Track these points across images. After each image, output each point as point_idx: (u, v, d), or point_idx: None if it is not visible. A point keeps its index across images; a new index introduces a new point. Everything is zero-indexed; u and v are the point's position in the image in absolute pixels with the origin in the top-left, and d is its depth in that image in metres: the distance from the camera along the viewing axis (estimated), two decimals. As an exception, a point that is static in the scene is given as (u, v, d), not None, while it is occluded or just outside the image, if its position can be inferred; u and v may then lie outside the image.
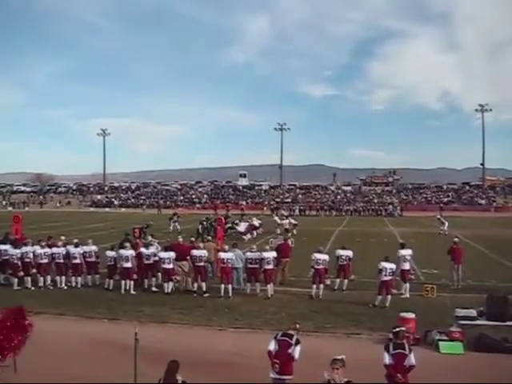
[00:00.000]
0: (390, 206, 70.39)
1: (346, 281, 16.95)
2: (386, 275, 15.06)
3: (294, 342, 7.98)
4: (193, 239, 19.37)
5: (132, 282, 16.86)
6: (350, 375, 6.59)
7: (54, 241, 18.61)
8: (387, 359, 7.70)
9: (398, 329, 8.15)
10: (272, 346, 7.96)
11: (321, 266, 16.19)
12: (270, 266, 16.34)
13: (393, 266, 15.29)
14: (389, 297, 14.98)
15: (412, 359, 7.64)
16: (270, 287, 16.17)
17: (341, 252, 17.13)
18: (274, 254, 16.77)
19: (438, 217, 41.75)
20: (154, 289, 17.05)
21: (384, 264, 15.15)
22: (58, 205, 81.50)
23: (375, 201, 76.20)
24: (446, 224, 38.60)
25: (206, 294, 16.25)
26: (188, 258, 16.87)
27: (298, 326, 8.48)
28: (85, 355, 10.66)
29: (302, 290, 16.71)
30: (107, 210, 74.64)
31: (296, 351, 7.88)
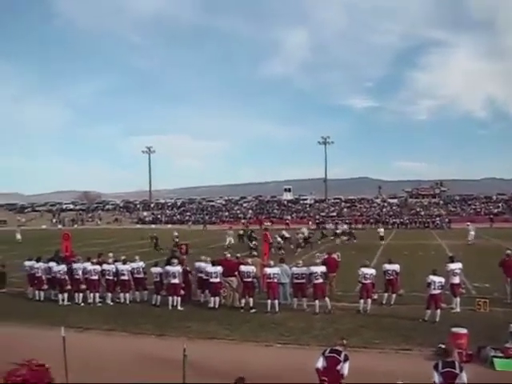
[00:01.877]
0: (438, 219, 69.05)
1: (394, 295, 16.66)
2: (434, 289, 14.69)
3: (342, 358, 7.86)
4: (239, 255, 19.47)
5: (179, 298, 16.96)
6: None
7: (103, 258, 18.95)
8: (437, 379, 7.39)
9: (442, 345, 7.89)
10: (320, 363, 7.85)
11: (368, 281, 15.96)
12: (320, 281, 16.16)
13: (442, 279, 14.92)
14: (438, 311, 14.57)
15: (463, 378, 7.30)
16: (317, 302, 15.90)
17: (387, 266, 16.87)
18: (323, 268, 16.50)
19: (468, 224, 42.43)
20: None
21: (432, 277, 14.79)
22: (99, 222, 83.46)
23: (422, 213, 74.82)
24: (473, 234, 38.47)
25: (253, 310, 16.22)
26: (236, 273, 16.92)
27: (345, 341, 8.36)
28: (134, 370, 10.74)
29: (350, 305, 16.49)
30: (153, 226, 75.55)
31: (345, 368, 7.77)
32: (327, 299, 16.07)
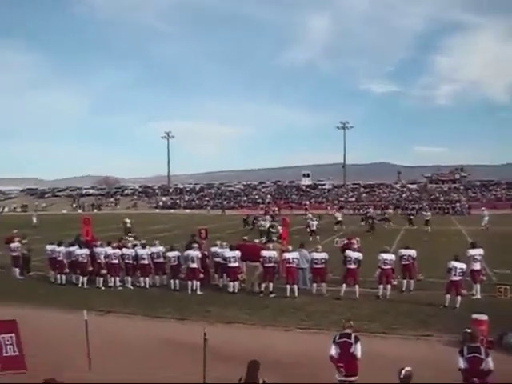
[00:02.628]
0: (458, 204, 68.41)
1: (412, 281, 16.56)
2: (455, 275, 14.59)
3: (353, 340, 7.87)
4: (256, 240, 19.54)
5: (198, 283, 17.08)
6: (419, 378, 6.42)
7: (123, 242, 19.09)
8: (462, 363, 7.30)
9: (468, 330, 7.83)
10: (333, 351, 7.85)
11: (388, 267, 15.89)
12: (353, 266, 16.06)
13: (463, 265, 14.78)
14: (459, 298, 14.46)
15: (490, 363, 7.21)
16: (344, 287, 15.91)
17: (403, 252, 16.75)
18: (358, 254, 16.36)
19: (483, 209, 43.54)
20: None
21: (454, 263, 14.67)
22: (118, 207, 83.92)
23: (442, 199, 74.18)
24: (487, 219, 38.89)
25: (272, 295, 16.27)
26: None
27: (351, 323, 8.33)
28: (154, 354, 10.87)
29: (369, 291, 16.42)
30: (172, 211, 75.93)
31: (357, 349, 7.77)
32: (357, 286, 16.03)
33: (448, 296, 14.64)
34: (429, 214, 43.65)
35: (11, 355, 5.77)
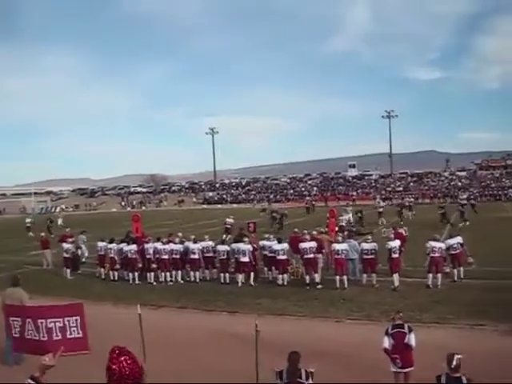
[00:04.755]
0: (510, 190, 66.50)
1: (461, 269, 16.20)
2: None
3: (407, 330, 7.82)
4: (296, 230, 19.58)
5: (252, 274, 17.26)
6: (475, 368, 6.29)
7: (172, 237, 19.36)
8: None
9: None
10: (387, 343, 7.78)
11: (437, 254, 15.59)
12: (397, 255, 16.01)
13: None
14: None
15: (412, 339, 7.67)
16: (395, 277, 15.71)
17: (450, 241, 16.45)
18: (397, 242, 16.33)
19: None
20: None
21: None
22: (165, 204, 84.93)
23: (493, 185, 72.29)
24: None
25: (319, 286, 16.23)
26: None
27: (401, 314, 8.26)
28: (208, 346, 11.01)
29: (420, 280, 16.12)
30: (219, 206, 76.46)
31: (412, 339, 7.72)
32: (396, 275, 15.86)
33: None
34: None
35: (75, 337, 5.96)
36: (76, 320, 5.98)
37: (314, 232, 18.28)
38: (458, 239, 16.43)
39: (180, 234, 19.98)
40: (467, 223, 31.43)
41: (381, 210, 38.74)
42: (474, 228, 28.72)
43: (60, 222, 45.92)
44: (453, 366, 5.95)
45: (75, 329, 6.08)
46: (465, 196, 52.03)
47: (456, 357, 6.00)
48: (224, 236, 24.33)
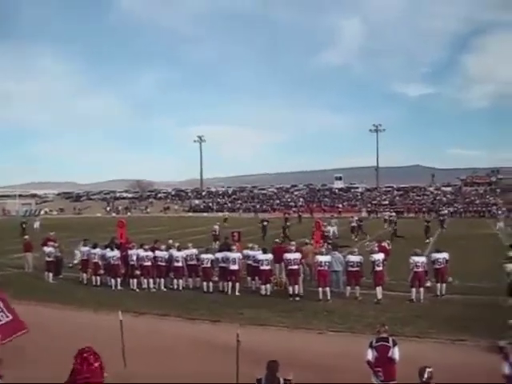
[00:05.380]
0: (494, 207, 67.08)
1: (444, 285, 16.27)
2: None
3: (391, 343, 7.78)
4: (277, 240, 19.74)
5: (237, 284, 17.22)
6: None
7: (158, 244, 19.29)
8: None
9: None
10: (370, 355, 7.76)
11: (420, 269, 15.71)
12: (380, 268, 16.08)
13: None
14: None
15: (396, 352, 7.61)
16: (378, 290, 15.80)
17: (436, 255, 16.55)
18: (381, 255, 16.47)
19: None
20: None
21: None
22: (148, 210, 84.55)
23: (477, 202, 72.86)
24: (501, 223, 39.76)
25: (297, 298, 16.28)
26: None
27: (386, 327, 8.25)
28: (189, 354, 10.97)
29: (403, 294, 16.20)
30: (205, 214, 76.28)
31: (396, 353, 7.67)
32: (380, 288, 15.91)
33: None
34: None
35: (6, 321, 5.84)
36: None
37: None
38: (445, 255, 16.49)
39: (170, 241, 19.90)
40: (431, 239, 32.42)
41: (354, 224, 36.99)
42: (457, 244, 28.84)
43: (36, 225, 44.54)
44: (424, 379, 6.17)
45: (3, 314, 5.96)
46: (445, 211, 53.16)
47: (427, 370, 6.22)
48: (213, 243, 24.41)
